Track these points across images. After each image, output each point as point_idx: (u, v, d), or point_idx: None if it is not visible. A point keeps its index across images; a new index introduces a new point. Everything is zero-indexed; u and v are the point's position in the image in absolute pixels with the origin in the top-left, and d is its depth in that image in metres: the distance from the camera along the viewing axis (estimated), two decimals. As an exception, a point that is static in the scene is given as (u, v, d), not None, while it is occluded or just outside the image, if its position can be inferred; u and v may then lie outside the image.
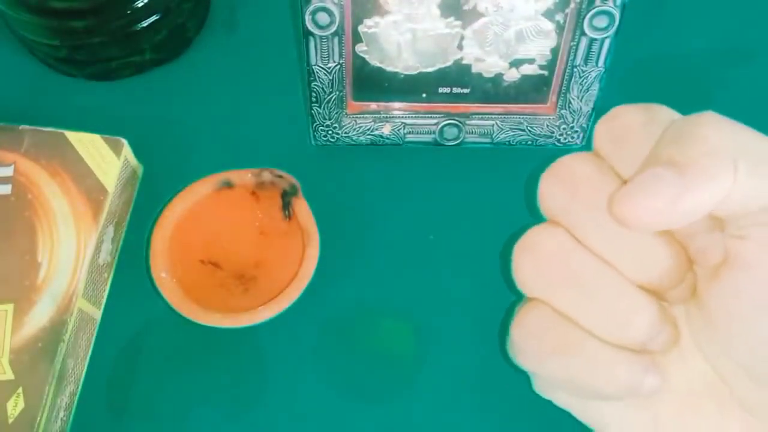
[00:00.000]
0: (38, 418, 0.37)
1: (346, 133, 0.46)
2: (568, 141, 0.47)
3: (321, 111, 0.45)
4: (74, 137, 0.43)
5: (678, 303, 0.24)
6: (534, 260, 0.23)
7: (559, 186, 0.23)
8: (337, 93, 0.44)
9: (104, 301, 0.44)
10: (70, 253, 0.41)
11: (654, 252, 0.22)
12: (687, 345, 0.24)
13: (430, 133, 0.47)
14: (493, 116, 0.46)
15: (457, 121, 0.46)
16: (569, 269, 0.23)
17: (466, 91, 0.45)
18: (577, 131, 0.46)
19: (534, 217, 0.24)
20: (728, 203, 0.20)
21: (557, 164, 0.24)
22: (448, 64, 0.44)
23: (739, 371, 0.22)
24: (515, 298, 0.25)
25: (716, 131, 0.21)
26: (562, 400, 0.25)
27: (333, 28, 0.41)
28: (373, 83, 0.45)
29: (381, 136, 0.47)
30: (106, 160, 0.43)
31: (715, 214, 0.21)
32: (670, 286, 0.23)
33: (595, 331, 0.23)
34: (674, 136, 0.21)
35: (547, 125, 0.46)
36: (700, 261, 0.23)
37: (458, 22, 0.42)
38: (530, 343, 0.24)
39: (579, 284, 0.23)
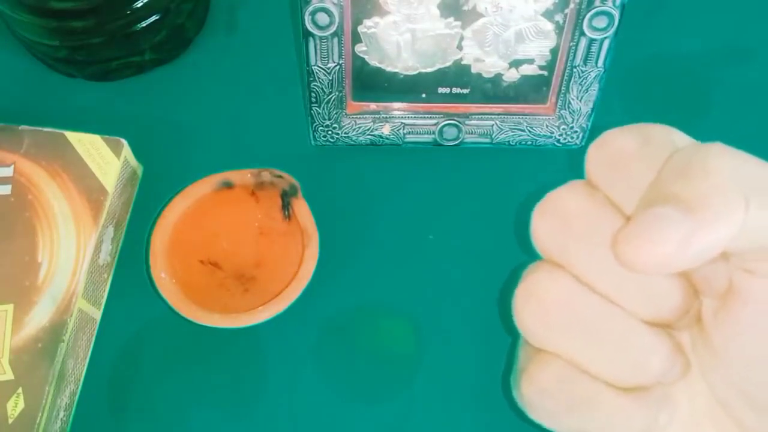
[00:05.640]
0: (38, 418, 0.37)
1: (345, 133, 0.46)
2: (568, 141, 0.47)
3: (321, 111, 0.45)
4: (74, 137, 0.43)
5: (683, 330, 0.23)
6: (538, 310, 0.22)
7: (552, 223, 0.22)
8: (337, 93, 0.44)
9: (104, 301, 0.44)
10: (70, 253, 0.41)
11: (659, 286, 0.21)
12: (692, 370, 0.23)
13: (430, 134, 0.47)
14: (492, 116, 0.46)
15: (456, 121, 0.46)
16: (575, 316, 0.22)
17: (465, 91, 0.45)
18: (576, 131, 0.46)
19: (527, 254, 0.23)
20: (739, 239, 0.19)
21: (548, 199, 0.22)
22: (448, 64, 0.44)
23: (739, 398, 0.22)
24: (509, 338, 0.24)
25: (725, 164, 0.19)
26: None
27: (332, 29, 0.41)
28: (372, 83, 0.45)
29: (380, 137, 0.47)
30: (106, 160, 0.43)
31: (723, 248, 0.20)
32: (676, 318, 0.22)
33: (608, 377, 0.22)
34: (679, 169, 0.20)
35: (547, 125, 0.46)
36: (704, 290, 0.22)
37: (458, 23, 0.42)
38: (544, 401, 0.23)
39: (587, 331, 0.22)
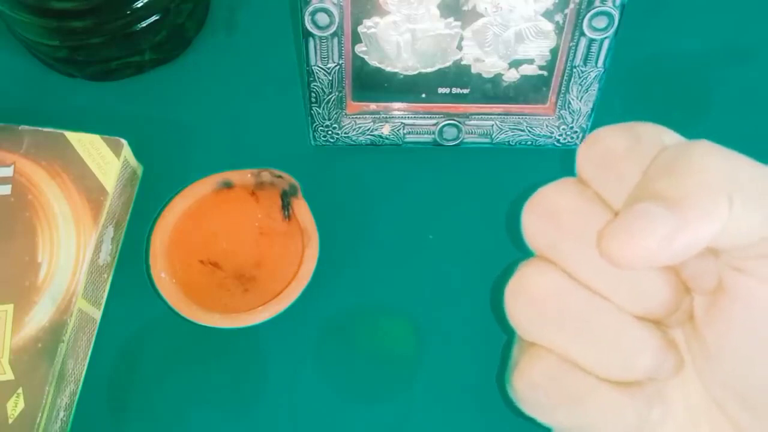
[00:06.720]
0: (38, 419, 0.37)
1: (345, 133, 0.46)
2: (568, 141, 0.47)
3: (320, 111, 0.45)
4: (74, 137, 0.43)
5: (676, 326, 0.23)
6: (528, 305, 0.22)
7: (542, 220, 0.22)
8: (337, 93, 0.44)
9: (104, 301, 0.44)
10: (70, 253, 0.41)
11: (648, 282, 0.22)
12: (687, 368, 0.23)
13: (430, 134, 0.47)
14: (492, 116, 0.46)
15: (456, 121, 0.46)
16: (565, 311, 0.22)
17: (465, 91, 0.45)
18: (576, 131, 0.46)
19: (520, 251, 0.23)
20: (723, 236, 0.19)
21: (538, 196, 0.22)
22: (448, 64, 0.44)
23: (733, 398, 0.22)
24: (507, 337, 0.24)
25: (710, 162, 0.20)
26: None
27: (332, 29, 0.41)
28: (372, 83, 0.45)
29: (380, 137, 0.47)
30: (106, 160, 0.43)
31: (709, 245, 0.20)
32: (667, 314, 0.22)
33: (599, 371, 0.22)
34: (665, 166, 0.20)
35: (547, 125, 0.46)
36: (693, 287, 0.22)
37: (458, 23, 0.42)
38: (536, 396, 0.23)
39: (577, 326, 0.22)
